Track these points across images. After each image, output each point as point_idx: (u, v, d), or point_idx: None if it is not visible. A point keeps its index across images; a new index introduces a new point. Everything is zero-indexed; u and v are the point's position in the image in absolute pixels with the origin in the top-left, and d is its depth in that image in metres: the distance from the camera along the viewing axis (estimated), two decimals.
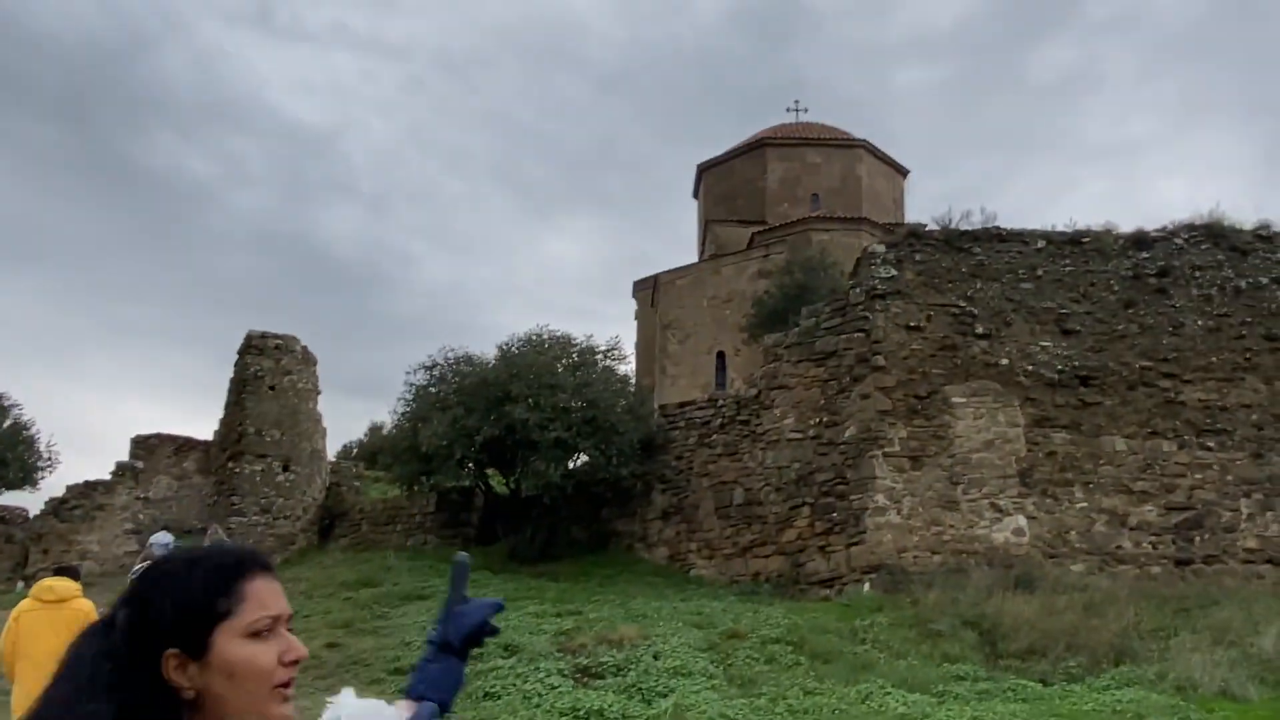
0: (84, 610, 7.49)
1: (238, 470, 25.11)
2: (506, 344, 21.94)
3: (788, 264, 31.93)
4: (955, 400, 17.51)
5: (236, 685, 1.34)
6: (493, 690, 11.43)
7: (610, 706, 10.27)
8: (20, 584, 24.11)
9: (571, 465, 20.13)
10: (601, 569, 20.82)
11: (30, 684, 7.03)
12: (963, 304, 18.05)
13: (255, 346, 25.87)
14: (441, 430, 20.42)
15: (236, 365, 26.40)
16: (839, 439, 18.13)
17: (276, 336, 26.25)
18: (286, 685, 1.40)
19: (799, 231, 41.74)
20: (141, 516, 26.48)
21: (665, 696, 11.18)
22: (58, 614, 7.12)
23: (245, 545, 1.65)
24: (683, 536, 20.98)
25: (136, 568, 16.90)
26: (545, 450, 20.03)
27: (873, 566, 16.94)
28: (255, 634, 1.38)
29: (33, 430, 31.51)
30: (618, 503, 22.45)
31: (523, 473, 20.51)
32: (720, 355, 44.02)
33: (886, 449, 17.35)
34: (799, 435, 18.93)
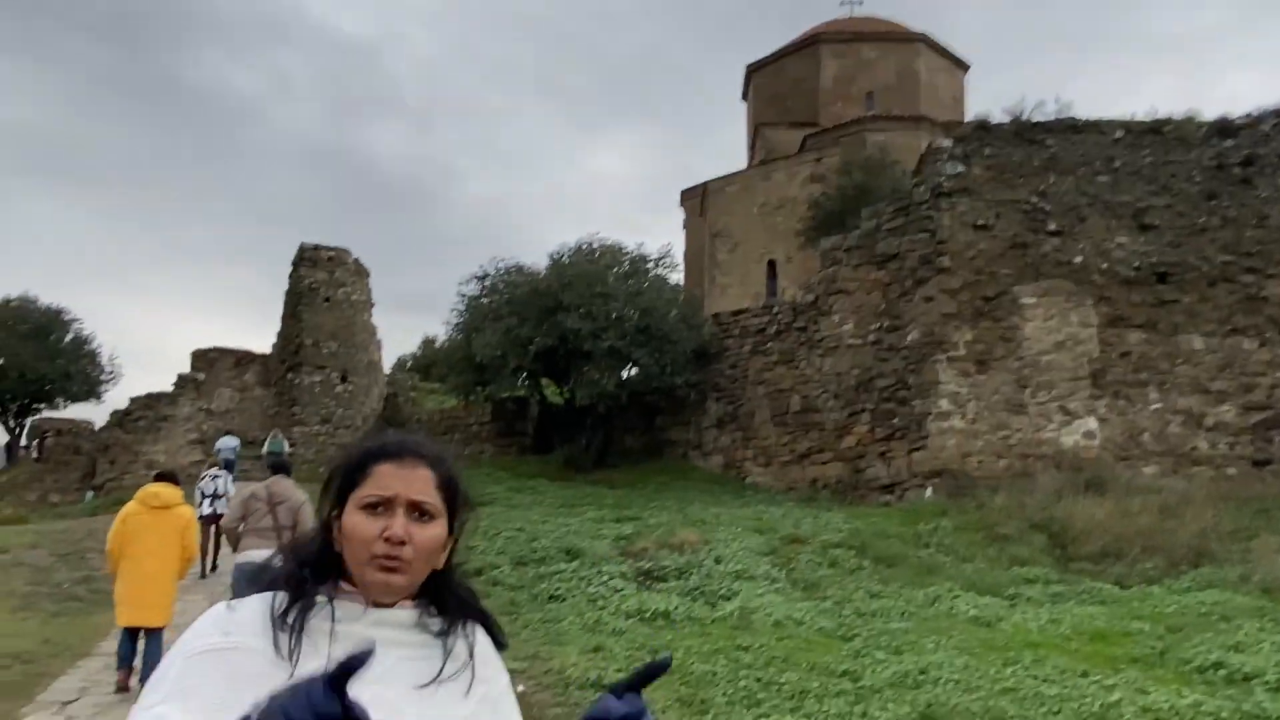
0: (186, 516, 7.84)
1: (297, 381, 25.39)
2: (557, 253, 21.63)
3: (845, 164, 30.98)
4: (1025, 301, 16.93)
5: (348, 548, 1.49)
6: (557, 593, 11.43)
7: (676, 609, 10.19)
8: (89, 494, 24.83)
9: (625, 375, 19.93)
10: (657, 476, 20.81)
11: (131, 580, 7.41)
12: (1034, 200, 17.32)
13: (308, 259, 25.89)
14: (495, 340, 20.32)
15: (291, 278, 26.48)
16: (901, 344, 17.69)
17: (329, 249, 26.23)
18: (387, 558, 1.48)
19: (853, 133, 40.50)
20: (205, 427, 26.98)
21: (729, 599, 11.09)
22: (162, 519, 7.58)
23: (411, 436, 1.64)
24: (738, 444, 20.83)
25: (205, 474, 17.10)
26: (598, 360, 19.86)
27: (935, 472, 16.65)
28: (367, 507, 1.50)
29: (94, 344, 32.16)
30: (671, 412, 22.34)
31: (577, 382, 20.38)
32: (771, 264, 43.33)
33: (951, 353, 16.90)
34: (858, 341, 18.51)
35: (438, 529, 1.55)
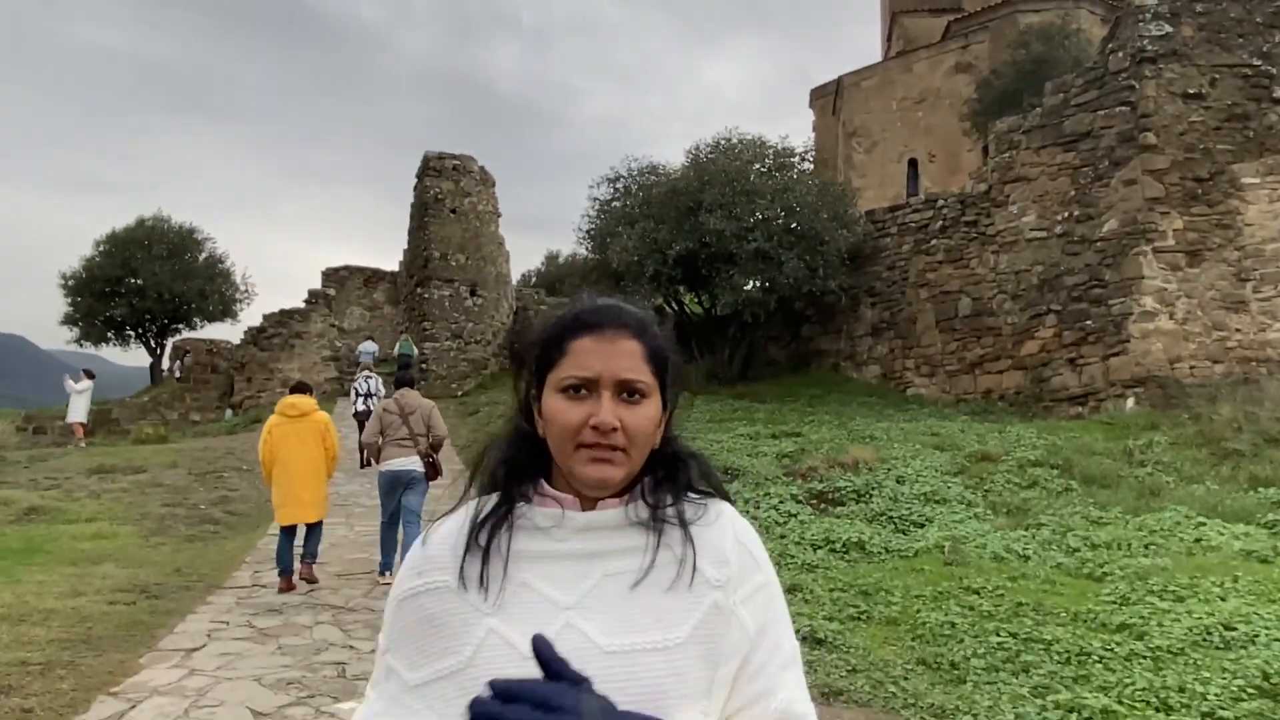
0: (323, 421, 8.33)
1: (426, 296, 24.62)
2: (695, 149, 19.91)
3: (1021, 36, 27.87)
4: (1246, 181, 14.53)
5: (550, 436, 1.26)
6: None
7: (870, 539, 8.77)
8: (228, 412, 24.83)
9: (773, 280, 18.25)
10: (807, 389, 19.26)
11: (284, 484, 8.00)
12: (1257, 63, 14.76)
13: (433, 168, 24.87)
14: (631, 245, 18.92)
15: (416, 189, 25.58)
16: (1094, 235, 15.52)
17: (453, 157, 25.15)
18: (592, 448, 1.22)
19: (1003, 15, 37.09)
20: (338, 344, 26.70)
21: (921, 526, 9.63)
22: (301, 425, 8.14)
23: (611, 301, 1.33)
24: (897, 353, 19.05)
25: (359, 375, 18.13)
26: (744, 263, 18.26)
27: (1137, 380, 14.63)
28: (567, 389, 1.25)
29: (227, 264, 32.23)
30: (820, 320, 20.66)
31: (720, 289, 18.86)
32: (912, 162, 40.54)
33: (1157, 244, 14.70)
34: (1042, 234, 16.38)
35: (651, 408, 1.29)
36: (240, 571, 8.61)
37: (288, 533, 7.93)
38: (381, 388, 17.91)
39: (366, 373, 18.27)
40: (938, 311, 18.16)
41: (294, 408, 8.23)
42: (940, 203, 18.54)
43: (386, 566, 8.18)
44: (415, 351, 24.00)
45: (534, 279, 48.60)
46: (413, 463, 8.20)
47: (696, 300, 21.49)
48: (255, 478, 14.80)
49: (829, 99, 44.97)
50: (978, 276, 17.45)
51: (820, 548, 8.66)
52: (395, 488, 8.22)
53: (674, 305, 21.36)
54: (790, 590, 7.16)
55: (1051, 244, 16.27)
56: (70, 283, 30.60)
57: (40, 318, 31.07)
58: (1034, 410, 16.00)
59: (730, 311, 19.98)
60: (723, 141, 20.33)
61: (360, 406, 17.20)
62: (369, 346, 24.40)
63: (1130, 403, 14.58)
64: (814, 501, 10.95)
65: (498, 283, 26.18)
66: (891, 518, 9.92)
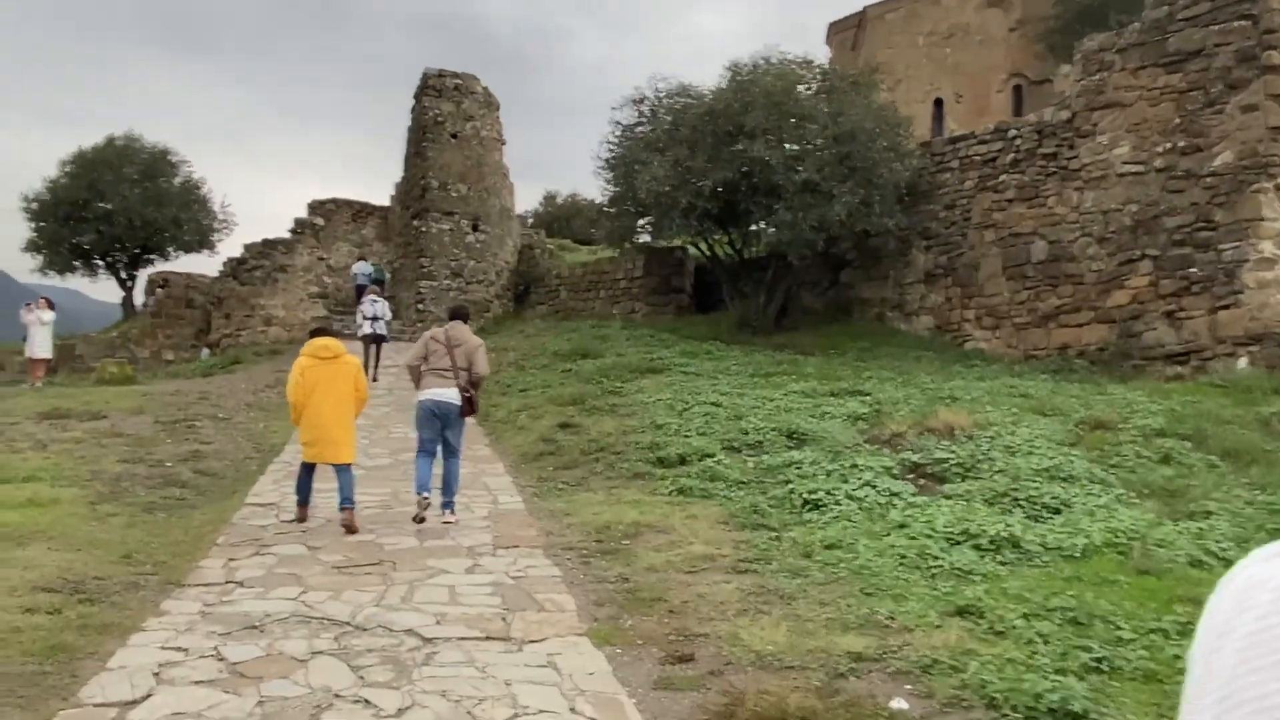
0: (354, 364, 8.43)
1: (424, 229, 22.43)
2: (737, 66, 17.67)
3: None
4: None
5: None
6: (814, 497, 8.20)
7: (1022, 533, 6.84)
8: (204, 351, 22.67)
9: (822, 216, 16.14)
10: (852, 341, 17.29)
11: (316, 424, 8.01)
12: None
13: (433, 87, 22.52)
14: (662, 174, 16.77)
15: (413, 110, 23.24)
16: (1203, 170, 13.50)
17: (455, 75, 22.79)
18: None
19: None
20: (326, 280, 24.53)
21: (1058, 512, 7.73)
22: (334, 367, 8.20)
23: None
24: (955, 303, 17.07)
25: (365, 298, 17.61)
26: (790, 197, 16.15)
27: (1252, 336, 12.74)
28: None
29: (204, 190, 29.72)
30: (864, 264, 18.61)
31: (762, 226, 16.77)
32: (938, 102, 38.26)
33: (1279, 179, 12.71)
34: (1138, 167, 14.35)
35: None
36: (210, 560, 6.62)
37: (308, 470, 8.10)
38: (389, 311, 17.97)
39: (373, 296, 17.91)
40: (1005, 256, 16.15)
41: (326, 349, 8.26)
42: (1012, 133, 16.44)
43: (424, 488, 8.04)
44: (383, 274, 24.44)
45: (531, 220, 46.31)
46: (451, 394, 8.17)
47: (726, 240, 19.42)
48: (232, 428, 12.77)
49: (849, 33, 42.43)
50: (1056, 217, 15.43)
51: (959, 542, 6.74)
52: (433, 417, 8.19)
53: (705, 243, 19.25)
54: (960, 612, 5.24)
55: (1149, 179, 14.24)
56: (34, 206, 28.10)
57: (16, 253, 28.69)
58: (1121, 369, 14.10)
59: (769, 252, 17.94)
60: (760, 61, 18.07)
61: (367, 330, 17.14)
62: (363, 267, 24.40)
63: (1243, 362, 12.69)
64: (911, 476, 9.05)
65: (502, 217, 23.98)
66: (1018, 500, 8.01)
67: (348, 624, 5.24)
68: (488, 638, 5.06)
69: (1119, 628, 4.93)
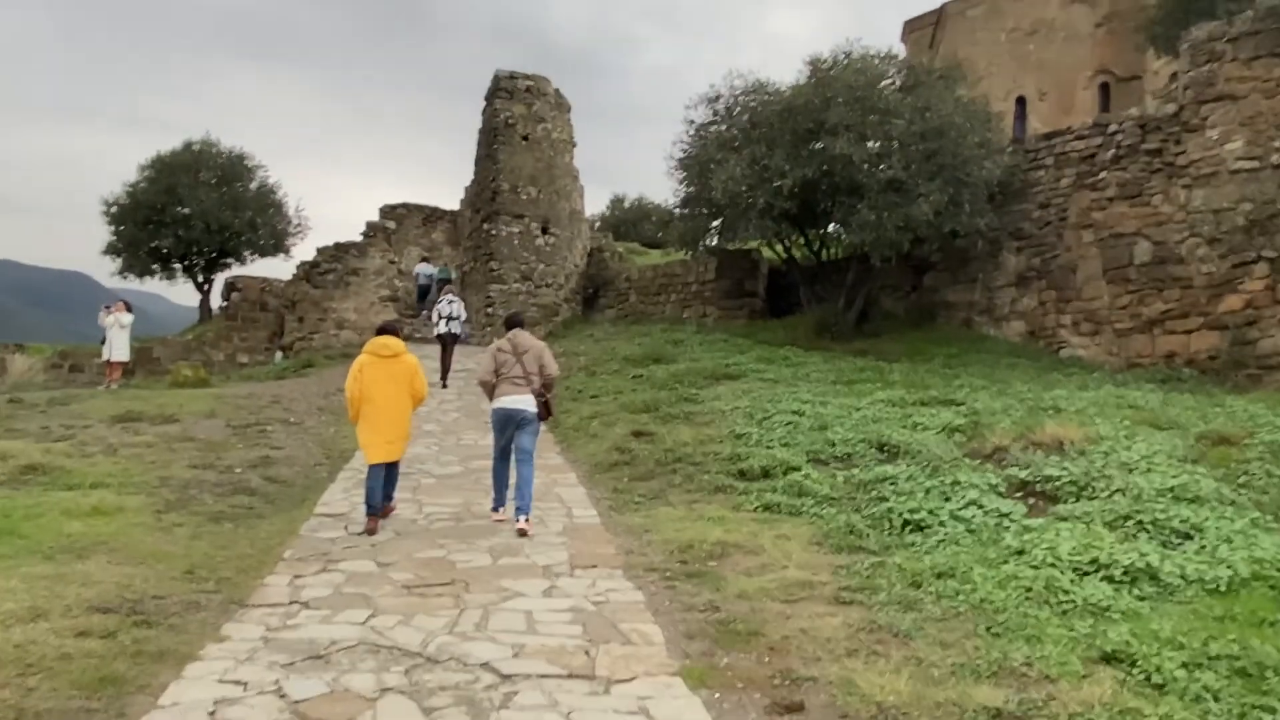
0: (412, 364, 8.39)
1: (494, 232, 22.15)
2: (819, 60, 17.03)
3: None
4: None
5: None
6: (916, 517, 7.58)
7: (1159, 563, 6.15)
8: (278, 354, 22.68)
9: (908, 215, 15.40)
10: (938, 347, 16.52)
11: (375, 424, 8.07)
12: None
13: (504, 89, 22.25)
14: (739, 174, 16.20)
15: (485, 114, 23.00)
16: None
17: (526, 77, 22.49)
18: None
19: None
20: (398, 284, 24.44)
21: (1189, 537, 6.99)
22: (393, 366, 8.24)
23: None
24: (1049, 307, 16.20)
25: (443, 297, 17.59)
26: (874, 195, 15.47)
27: None
28: None
29: (280, 194, 29.90)
30: (949, 267, 17.81)
31: (844, 226, 16.10)
32: (1020, 101, 37.03)
33: None
34: (1253, 164, 13.41)
35: None
36: (276, 576, 6.25)
37: (376, 470, 8.01)
38: (464, 310, 17.87)
39: (450, 295, 17.91)
40: (1106, 258, 15.26)
41: (386, 348, 8.27)
42: (1113, 128, 15.54)
43: (500, 503, 8.29)
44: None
45: (598, 224, 46.06)
46: (526, 401, 8.24)
47: (803, 242, 18.76)
48: (303, 433, 12.54)
49: (926, 30, 41.31)
50: (1162, 216, 14.51)
51: (1088, 573, 6.08)
52: (508, 425, 8.27)
53: (782, 245, 18.62)
54: (1111, 660, 4.60)
55: (1265, 176, 13.29)
56: (114, 210, 28.54)
57: (98, 256, 29.24)
58: (1234, 379, 13.18)
59: (848, 254, 17.26)
60: (841, 57, 17.38)
61: (443, 329, 17.05)
62: (425, 267, 25.12)
63: None
64: (1019, 495, 8.36)
65: (572, 220, 23.61)
66: (1143, 523, 7.28)
67: (419, 655, 4.80)
68: (570, 675, 4.57)
69: None
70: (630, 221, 45.07)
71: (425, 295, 24.83)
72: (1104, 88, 36.01)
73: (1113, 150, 15.32)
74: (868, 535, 7.36)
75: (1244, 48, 13.66)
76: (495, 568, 6.64)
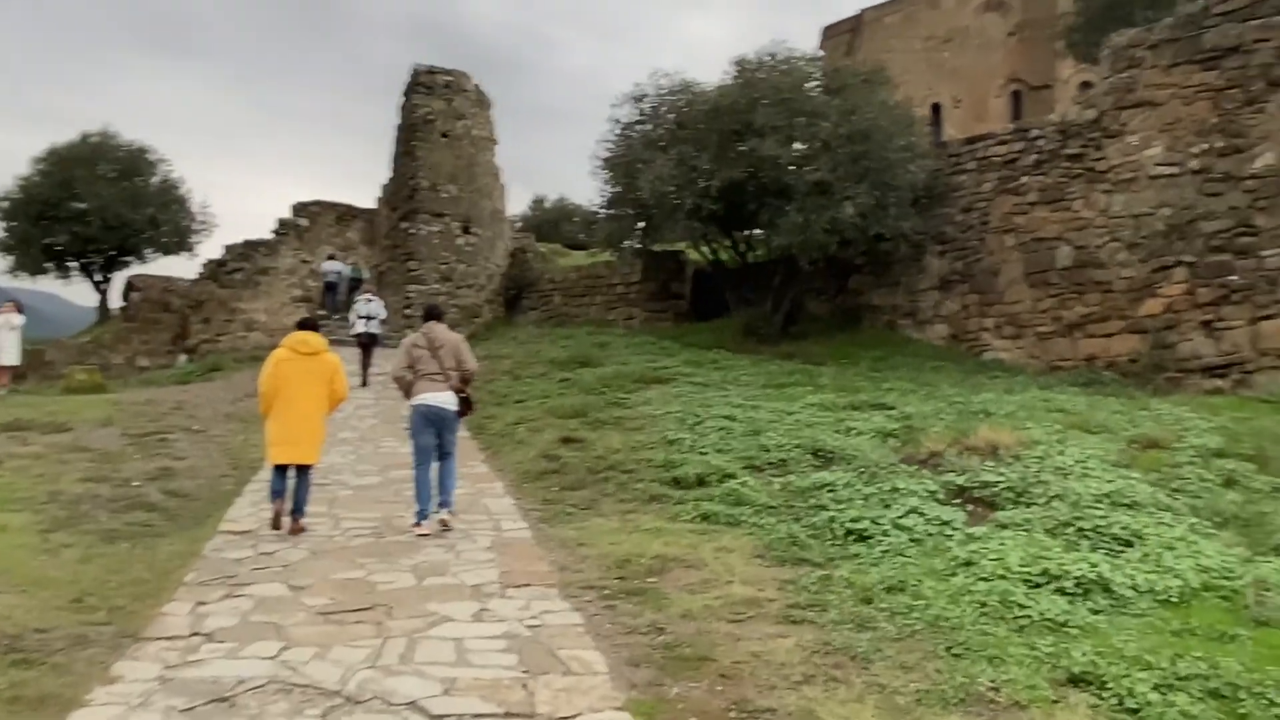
0: (333, 362, 8.09)
1: (413, 231, 21.50)
2: (744, 62, 16.84)
3: None
4: None
5: None
6: (858, 527, 7.35)
7: (1110, 573, 6.01)
8: (182, 357, 21.63)
9: (834, 218, 15.30)
10: (864, 350, 16.50)
11: (285, 422, 7.76)
12: None
13: (423, 84, 21.63)
14: (667, 174, 15.93)
15: (403, 109, 22.33)
16: (1243, 172, 12.81)
17: (445, 72, 21.90)
18: None
19: None
20: (310, 284, 23.56)
21: (1129, 545, 6.90)
22: (311, 363, 7.92)
23: None
24: (972, 311, 16.30)
25: (359, 296, 17.44)
26: (802, 198, 15.35)
27: None
28: None
29: (183, 189, 28.57)
30: (873, 270, 17.83)
31: (771, 228, 15.93)
32: (935, 108, 37.70)
33: None
34: (1172, 169, 13.61)
35: None
36: (176, 603, 5.70)
37: (280, 470, 7.77)
38: (383, 310, 17.75)
39: (369, 295, 17.87)
40: (1028, 262, 15.39)
41: (305, 344, 7.98)
42: (1034, 133, 15.69)
43: (424, 515, 7.74)
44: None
45: (520, 224, 45.46)
46: (447, 399, 7.95)
47: (730, 244, 18.59)
48: (208, 442, 11.82)
49: (844, 37, 41.80)
50: (1082, 221, 14.68)
51: (1039, 585, 5.90)
52: (430, 423, 7.90)
53: (708, 248, 18.41)
54: (1079, 682, 4.39)
55: (1184, 182, 13.51)
56: (5, 204, 26.92)
57: None
58: (1154, 382, 13.35)
59: (775, 256, 17.12)
60: (767, 58, 17.24)
61: (361, 329, 16.92)
62: (332, 265, 24.29)
63: None
64: (958, 501, 8.20)
65: (493, 220, 23.09)
66: (1083, 530, 7.18)
67: (337, 694, 4.34)
68: (508, 715, 4.17)
69: (1272, 701, 4.09)
70: (552, 222, 44.57)
71: (334, 291, 24.10)
72: (1015, 95, 36.84)
73: (1034, 155, 15.46)
74: (810, 546, 7.10)
75: (1163, 54, 13.87)
76: (420, 589, 6.19)
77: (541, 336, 19.77)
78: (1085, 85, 31.74)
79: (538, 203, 50.21)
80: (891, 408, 11.62)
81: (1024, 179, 15.57)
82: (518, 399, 14.08)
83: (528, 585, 6.29)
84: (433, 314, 8.40)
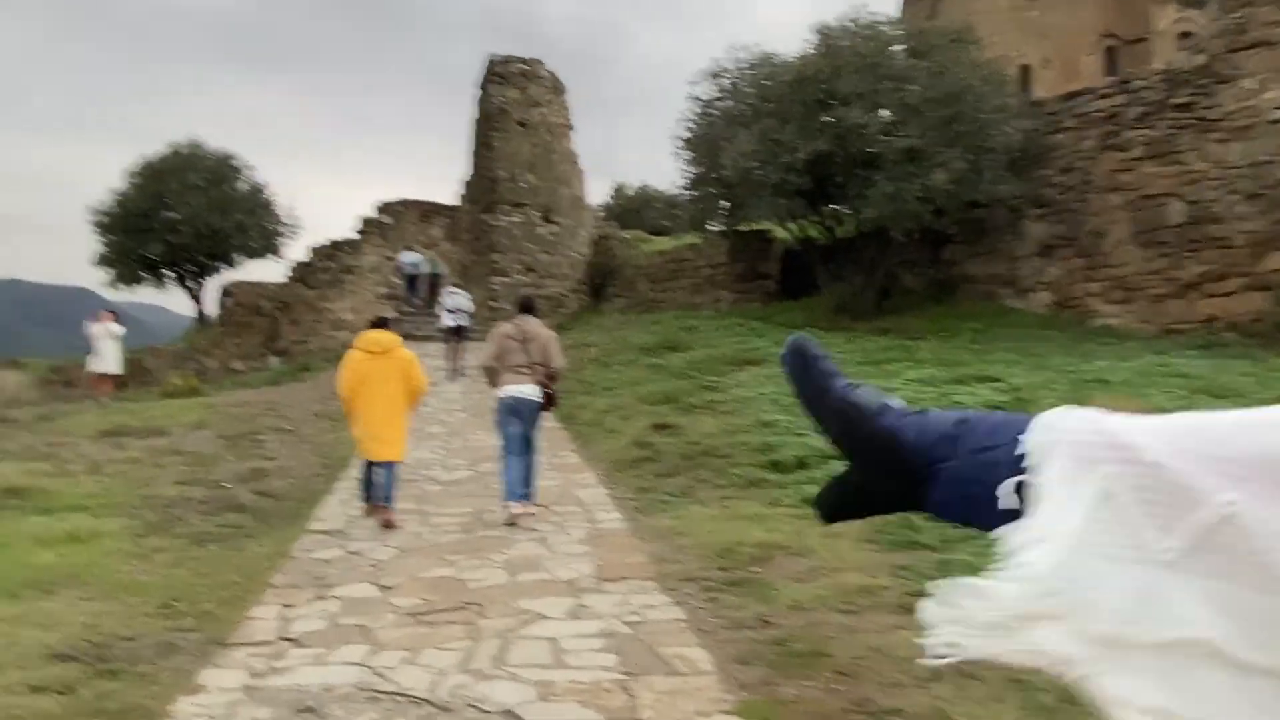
0: (405, 358, 8.02)
1: (494, 223, 21.44)
2: (826, 29, 16.23)
3: None
4: None
5: None
6: None
7: None
8: (274, 358, 21.97)
9: (927, 186, 14.63)
10: (963, 322, 15.79)
11: (367, 421, 7.78)
12: None
13: (498, 74, 21.51)
14: (750, 150, 15.45)
15: (479, 101, 22.27)
16: None
17: (520, 60, 21.74)
18: None
19: None
20: (395, 280, 23.71)
21: None
22: (384, 362, 7.88)
23: None
24: (1077, 275, 15.44)
25: (445, 290, 17.77)
26: (892, 166, 14.71)
27: None
28: None
29: (268, 194, 29.07)
30: (968, 239, 17.04)
31: (861, 201, 15.32)
32: (1024, 70, 36.18)
33: None
34: None
35: None
36: (263, 607, 5.53)
37: (370, 464, 7.81)
38: (470, 303, 17.89)
39: (452, 287, 18.11)
40: (1136, 221, 14.50)
41: (376, 344, 7.99)
42: (1138, 84, 14.75)
43: (513, 496, 7.64)
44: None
45: (601, 214, 45.37)
46: (531, 390, 7.83)
47: (818, 220, 18.00)
48: (300, 441, 11.82)
49: (925, 2, 40.46)
50: (1195, 174, 13.74)
51: None
52: (513, 414, 7.82)
53: (795, 225, 17.84)
54: None
55: None
56: (104, 219, 27.80)
57: (92, 268, 28.40)
58: None
59: (866, 230, 16.49)
60: (853, 21, 16.55)
61: (450, 322, 17.15)
62: (410, 256, 24.21)
63: None
64: None
65: (574, 207, 22.88)
66: None
67: (427, 701, 4.07)
68: None
69: None
70: (634, 209, 44.33)
71: (414, 285, 24.27)
72: (1109, 52, 35.16)
73: (1139, 108, 14.54)
74: (924, 529, 6.60)
75: None
76: (513, 585, 5.92)
77: (628, 323, 19.48)
78: (1185, 35, 30.13)
79: (618, 191, 50.07)
80: (998, 380, 10.99)
81: (1128, 133, 14.66)
82: (606, 386, 13.80)
83: (625, 579, 5.98)
84: (527, 306, 8.32)
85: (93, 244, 28.21)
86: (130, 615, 5.32)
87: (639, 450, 10.09)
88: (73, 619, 5.17)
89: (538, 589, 5.81)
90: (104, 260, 28.37)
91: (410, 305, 23.36)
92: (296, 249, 28.80)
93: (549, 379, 7.98)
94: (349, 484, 9.29)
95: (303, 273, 22.63)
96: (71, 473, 9.70)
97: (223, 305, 24.75)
